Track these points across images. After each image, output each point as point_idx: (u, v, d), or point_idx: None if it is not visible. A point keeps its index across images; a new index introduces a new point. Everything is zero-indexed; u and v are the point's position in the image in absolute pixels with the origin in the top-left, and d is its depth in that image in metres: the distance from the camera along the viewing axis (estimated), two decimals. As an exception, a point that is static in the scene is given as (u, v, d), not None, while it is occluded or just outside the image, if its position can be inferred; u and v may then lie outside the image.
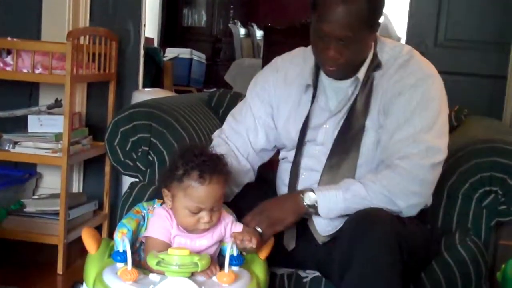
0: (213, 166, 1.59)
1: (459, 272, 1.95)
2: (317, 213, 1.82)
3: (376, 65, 1.90)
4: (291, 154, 1.99)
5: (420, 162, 1.80)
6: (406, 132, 1.83)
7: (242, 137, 2.02)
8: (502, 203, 2.08)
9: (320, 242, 1.87)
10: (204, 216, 1.57)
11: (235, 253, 1.57)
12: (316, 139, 1.94)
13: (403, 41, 5.29)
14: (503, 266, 1.84)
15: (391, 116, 1.86)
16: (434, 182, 1.86)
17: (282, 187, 2.01)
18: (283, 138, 2.02)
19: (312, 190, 1.81)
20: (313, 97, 1.96)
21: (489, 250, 2.14)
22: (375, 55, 1.92)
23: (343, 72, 1.89)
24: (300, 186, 1.94)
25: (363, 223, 1.71)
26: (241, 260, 1.59)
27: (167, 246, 1.58)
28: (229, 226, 1.68)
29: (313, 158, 1.95)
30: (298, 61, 2.03)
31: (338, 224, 1.85)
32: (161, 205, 1.70)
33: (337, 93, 1.94)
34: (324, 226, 1.86)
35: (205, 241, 1.63)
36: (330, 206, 1.80)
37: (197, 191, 1.57)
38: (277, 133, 2.03)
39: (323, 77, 1.95)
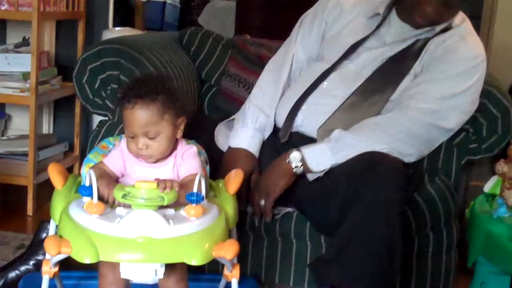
0: (137, 90, 1.54)
1: (429, 211, 1.96)
2: (308, 170, 1.83)
3: (447, 26, 1.93)
4: (319, 67, 1.99)
5: (419, 117, 1.83)
6: (430, 88, 1.86)
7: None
8: (472, 141, 2.09)
9: (310, 179, 1.87)
10: (138, 142, 1.54)
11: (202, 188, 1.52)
12: (357, 59, 1.96)
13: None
14: (471, 203, 1.87)
15: (428, 69, 1.89)
16: (427, 141, 1.88)
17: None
18: (328, 47, 2.03)
19: (298, 150, 1.82)
20: (377, 27, 1.98)
21: (459, 190, 2.16)
22: None
23: (427, 26, 1.91)
24: (316, 96, 1.94)
25: (373, 162, 1.73)
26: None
27: (113, 174, 1.60)
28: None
29: (344, 77, 1.95)
30: None
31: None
32: None
33: (400, 32, 1.96)
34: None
35: (166, 174, 1.57)
36: (317, 160, 1.81)
37: (126, 115, 1.56)
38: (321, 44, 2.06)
39: (393, 15, 1.97)
